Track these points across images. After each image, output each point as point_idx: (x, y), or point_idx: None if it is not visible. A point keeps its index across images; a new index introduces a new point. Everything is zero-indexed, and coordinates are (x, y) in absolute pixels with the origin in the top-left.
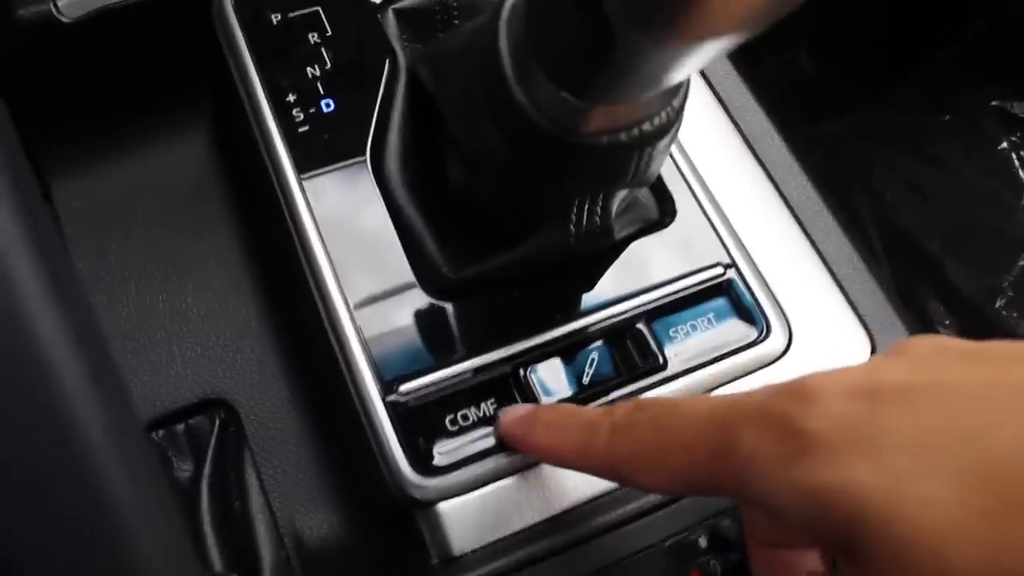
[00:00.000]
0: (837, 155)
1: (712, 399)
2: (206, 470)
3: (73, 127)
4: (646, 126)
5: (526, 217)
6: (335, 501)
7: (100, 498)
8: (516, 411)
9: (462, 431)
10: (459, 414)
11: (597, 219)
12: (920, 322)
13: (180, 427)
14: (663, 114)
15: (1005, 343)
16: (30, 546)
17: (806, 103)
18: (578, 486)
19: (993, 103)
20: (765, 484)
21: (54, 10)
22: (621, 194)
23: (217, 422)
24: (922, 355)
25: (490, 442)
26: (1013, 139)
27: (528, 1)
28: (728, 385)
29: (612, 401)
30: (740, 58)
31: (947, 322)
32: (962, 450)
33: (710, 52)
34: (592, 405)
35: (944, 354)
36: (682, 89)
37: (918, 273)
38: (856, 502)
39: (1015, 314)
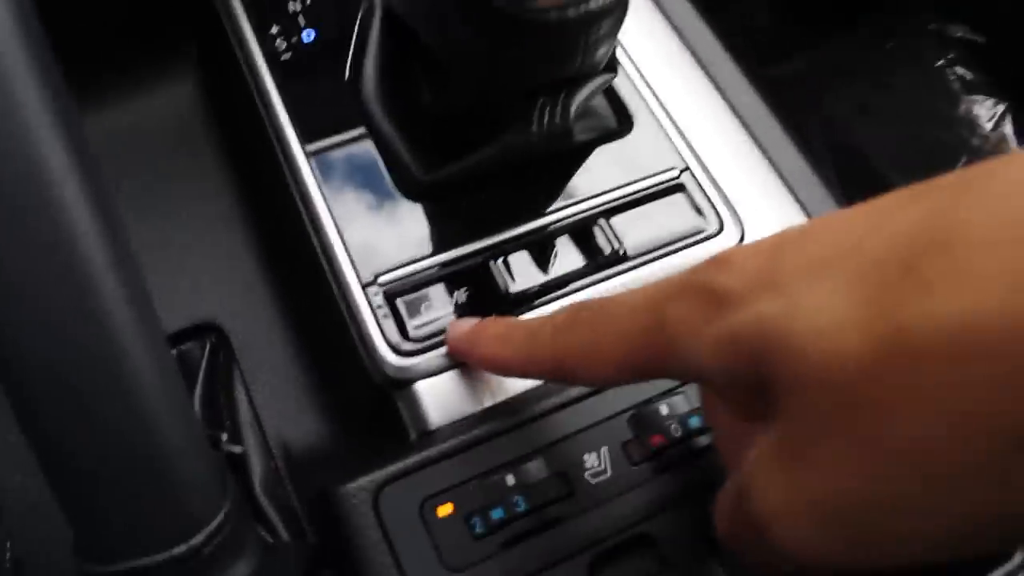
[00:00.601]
0: (792, 90)
1: (644, 288)
2: (197, 391)
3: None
4: (592, 4)
5: (492, 120)
6: (320, 411)
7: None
8: (462, 325)
9: (438, 317)
10: (435, 300)
11: (557, 119)
12: None
13: (173, 352)
14: None
15: None
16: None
17: (762, 49)
18: None
19: (930, 27)
20: (691, 347)
21: None
22: (579, 97)
23: (208, 346)
24: (822, 215)
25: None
26: (949, 57)
27: None
28: None
29: (576, 292)
30: (701, 10)
31: None
32: (845, 260)
33: None
34: (556, 297)
35: (841, 209)
36: None
37: (867, 187)
38: (761, 333)
39: None
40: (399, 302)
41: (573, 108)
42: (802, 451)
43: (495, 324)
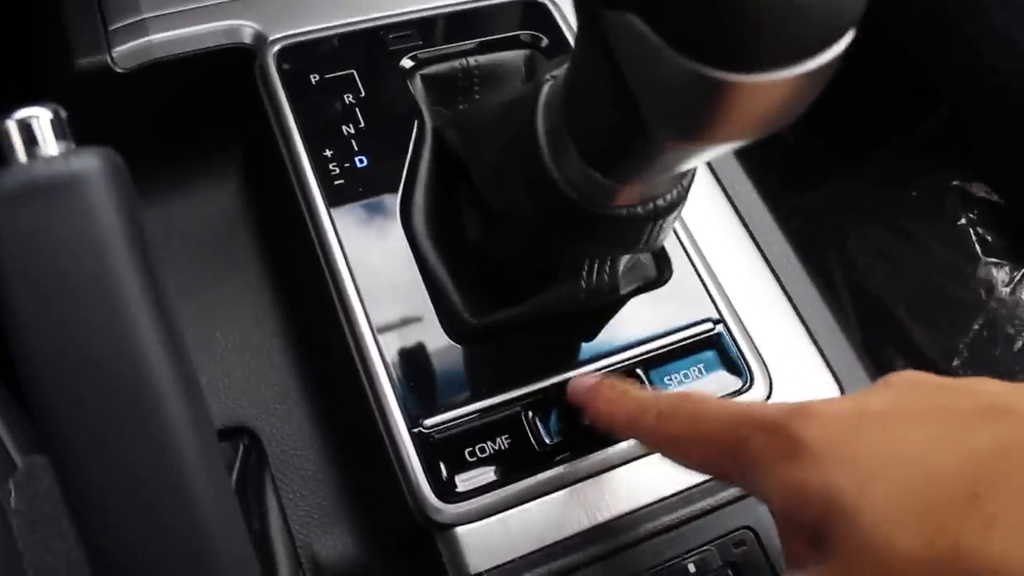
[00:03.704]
0: (814, 222)
1: (737, 404)
2: None
3: None
4: (660, 202)
5: (541, 272)
6: (352, 524)
7: (192, 506)
8: (583, 381)
9: (480, 462)
10: (476, 447)
11: (606, 277)
12: None
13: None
14: (674, 192)
15: (969, 380)
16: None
17: (785, 172)
18: (584, 514)
19: (954, 183)
20: (764, 477)
21: (110, 61)
22: (627, 256)
23: (241, 448)
24: (902, 388)
25: (503, 473)
26: (971, 216)
27: (567, 91)
28: None
29: (609, 442)
30: None
31: None
32: (915, 464)
33: (727, 149)
34: (593, 450)
35: (920, 387)
36: (691, 171)
37: (884, 333)
38: (831, 498)
39: (970, 373)
40: (445, 448)
41: (622, 267)
42: None
43: (609, 388)
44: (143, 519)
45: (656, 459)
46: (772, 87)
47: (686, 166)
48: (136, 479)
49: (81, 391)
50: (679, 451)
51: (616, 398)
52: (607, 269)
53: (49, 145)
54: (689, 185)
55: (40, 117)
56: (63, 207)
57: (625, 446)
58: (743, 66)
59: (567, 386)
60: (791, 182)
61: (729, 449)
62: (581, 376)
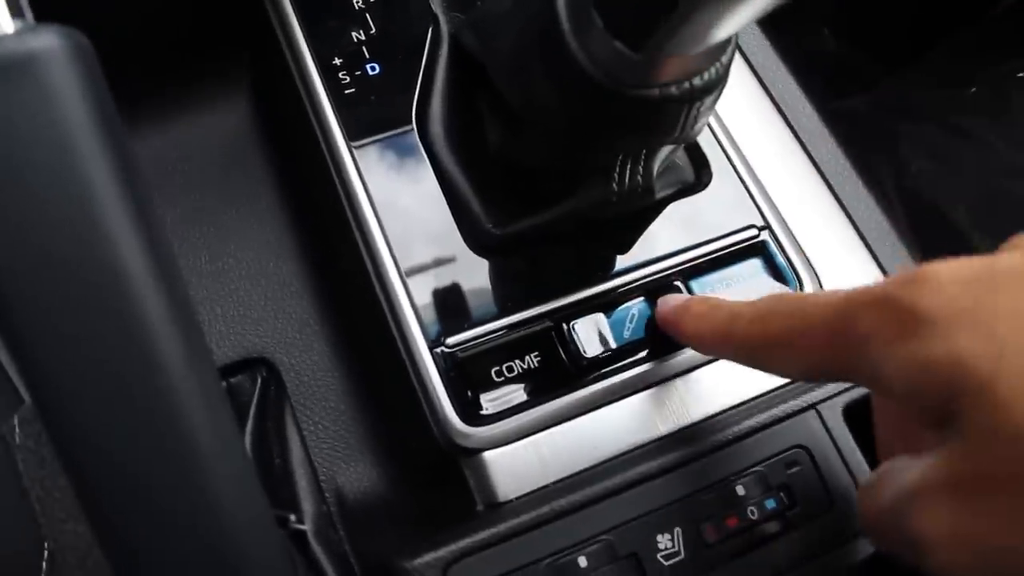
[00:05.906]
0: (861, 127)
1: (840, 291)
2: (248, 427)
3: (115, 92)
4: (696, 80)
5: (569, 175)
6: (376, 456)
7: (185, 438)
8: (671, 300)
9: (507, 382)
10: (504, 366)
11: (639, 178)
12: None
13: (222, 385)
14: (712, 70)
15: None
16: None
17: (828, 78)
18: (619, 436)
19: (1020, 75)
20: (878, 360)
21: None
22: (662, 154)
23: (259, 380)
24: None
25: (533, 393)
26: None
27: None
28: None
29: (646, 358)
30: (765, 34)
31: None
32: None
33: (769, 3)
34: (632, 364)
35: None
36: (730, 47)
37: (941, 240)
38: (961, 370)
39: None
40: (469, 368)
41: (656, 166)
42: (978, 493)
43: (699, 303)
44: (127, 451)
45: (697, 376)
46: None
47: (724, 29)
48: (115, 399)
49: (45, 295)
50: (777, 354)
51: (706, 312)
52: (640, 169)
53: (1, 22)
54: (728, 64)
55: None
56: (17, 91)
57: (663, 363)
58: None
59: (656, 308)
60: (835, 86)
61: (834, 337)
62: (670, 296)
